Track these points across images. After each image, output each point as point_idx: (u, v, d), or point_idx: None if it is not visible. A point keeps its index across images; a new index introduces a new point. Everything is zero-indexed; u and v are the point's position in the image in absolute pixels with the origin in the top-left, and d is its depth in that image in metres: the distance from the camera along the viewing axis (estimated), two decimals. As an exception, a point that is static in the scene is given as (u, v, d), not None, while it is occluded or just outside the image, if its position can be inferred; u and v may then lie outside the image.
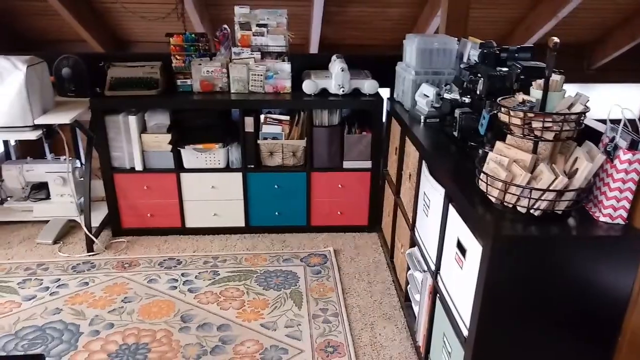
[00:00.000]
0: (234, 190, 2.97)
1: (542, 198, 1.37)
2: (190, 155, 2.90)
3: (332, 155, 2.93)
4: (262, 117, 2.84)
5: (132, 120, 2.80)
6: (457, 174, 1.73)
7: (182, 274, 2.67)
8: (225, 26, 2.99)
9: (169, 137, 2.85)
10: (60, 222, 3.08)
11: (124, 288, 2.56)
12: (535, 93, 1.45)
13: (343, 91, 2.82)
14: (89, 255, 2.84)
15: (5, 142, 3.53)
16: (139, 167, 2.90)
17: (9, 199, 3.18)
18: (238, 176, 2.94)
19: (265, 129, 2.86)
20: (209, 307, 2.42)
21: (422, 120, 2.34)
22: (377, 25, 5.89)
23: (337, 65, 2.82)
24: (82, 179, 3.01)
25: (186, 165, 2.92)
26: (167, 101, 2.83)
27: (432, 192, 1.91)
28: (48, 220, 3.10)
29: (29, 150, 3.57)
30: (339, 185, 2.99)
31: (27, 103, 2.54)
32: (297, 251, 2.91)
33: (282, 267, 2.75)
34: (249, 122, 2.83)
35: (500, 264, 1.36)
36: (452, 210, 1.69)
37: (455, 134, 2.01)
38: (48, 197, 3.12)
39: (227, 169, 2.94)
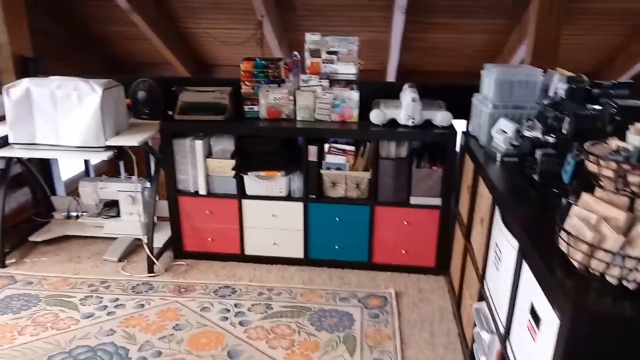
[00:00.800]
0: (294, 220, 2.88)
1: (640, 269, 1.12)
2: (253, 182, 2.85)
3: (398, 190, 2.75)
4: (326, 146, 2.74)
5: (199, 144, 2.81)
6: (534, 225, 1.50)
7: (235, 305, 2.60)
8: (296, 53, 2.95)
9: (233, 162, 2.83)
10: (127, 240, 3.16)
11: (176, 314, 2.53)
12: (633, 139, 1.21)
13: (413, 122, 2.65)
14: (149, 276, 2.86)
15: (86, 161, 3.71)
16: (202, 191, 2.90)
17: (83, 214, 3.32)
18: (299, 206, 2.85)
19: (329, 158, 2.75)
20: (258, 343, 2.32)
21: (498, 159, 2.12)
22: (459, 52, 5.65)
23: (408, 94, 2.66)
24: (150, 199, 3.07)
25: (248, 191, 2.88)
26: (233, 127, 2.82)
27: (504, 243, 1.68)
28: (116, 238, 3.19)
29: (107, 169, 3.74)
30: (405, 222, 2.80)
31: (100, 125, 2.63)
32: (355, 290, 2.74)
33: (338, 306, 2.59)
34: (312, 151, 2.74)
35: (581, 344, 1.12)
36: (526, 268, 1.46)
37: (535, 177, 1.78)
38: (118, 214, 3.22)
39: (289, 197, 2.86)
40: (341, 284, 2.80)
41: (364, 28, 5.43)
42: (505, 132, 2.10)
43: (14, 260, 3.01)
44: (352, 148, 2.74)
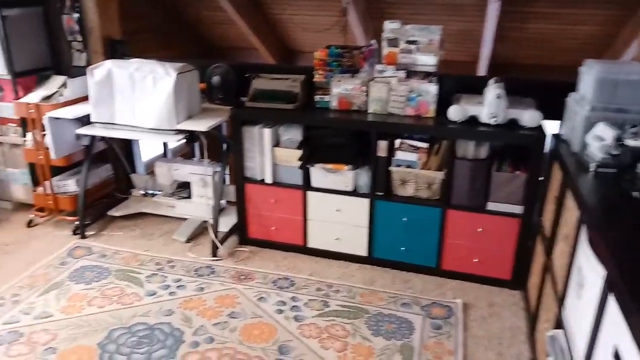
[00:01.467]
0: (359, 217, 2.75)
1: None
2: (319, 174, 2.76)
3: (474, 193, 2.53)
4: (397, 141, 2.58)
5: (267, 132, 2.77)
6: (626, 253, 1.26)
7: (292, 298, 2.54)
8: (374, 41, 2.79)
9: (299, 153, 2.75)
10: (196, 222, 3.22)
11: (233, 301, 2.52)
12: None
13: (496, 121, 2.40)
14: (212, 260, 2.89)
15: (165, 142, 3.83)
16: (268, 179, 2.86)
17: (159, 193, 3.44)
18: (365, 202, 2.72)
19: (400, 155, 2.59)
20: (310, 342, 2.24)
21: (591, 169, 1.84)
22: (560, 45, 5.15)
23: (492, 90, 2.41)
24: (219, 183, 3.09)
25: (314, 183, 2.80)
26: (302, 116, 2.74)
27: (589, 269, 1.45)
28: (186, 219, 3.26)
29: (185, 152, 3.83)
30: (479, 229, 2.57)
31: (173, 108, 2.67)
32: (419, 296, 2.57)
33: (399, 312, 2.44)
34: (382, 146, 2.58)
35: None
36: (612, 303, 1.23)
37: (636, 194, 1.51)
38: (189, 196, 3.28)
39: (355, 193, 2.74)
40: (404, 288, 2.64)
41: (454, 17, 5.11)
42: (603, 139, 1.82)
43: (93, 232, 3.18)
44: (425, 145, 2.55)
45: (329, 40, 5.43)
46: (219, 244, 2.92)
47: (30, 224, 3.25)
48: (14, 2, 3.04)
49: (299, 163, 2.76)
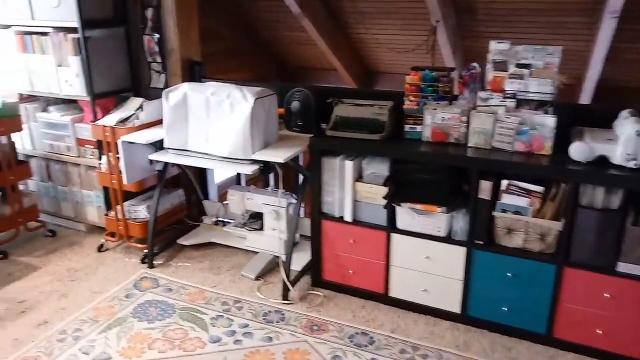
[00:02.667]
0: (453, 267, 2.36)
1: None
2: (406, 215, 2.41)
3: (601, 250, 2.06)
4: (503, 182, 2.17)
5: (349, 165, 2.47)
6: None
7: None
8: (475, 64, 2.42)
9: (385, 190, 2.42)
10: (267, 257, 2.97)
11: (304, 358, 2.22)
12: None
13: (636, 164, 1.94)
14: (283, 303, 2.61)
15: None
16: (348, 217, 2.56)
17: (230, 222, 3.24)
18: (461, 251, 2.33)
19: (507, 199, 2.18)
20: (392, 421, 1.88)
21: None
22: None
23: (629, 125, 1.96)
24: (293, 216, 2.83)
25: (400, 225, 2.45)
26: (389, 148, 2.41)
27: None
28: (257, 252, 3.03)
29: (258, 178, 3.63)
30: (606, 294, 2.09)
31: (249, 136, 2.45)
32: (525, 370, 2.13)
33: (500, 389, 2.02)
34: (485, 186, 2.19)
35: None
36: None
37: None
38: (262, 228, 3.05)
39: (449, 239, 2.36)
40: (506, 357, 2.21)
41: (558, 36, 4.59)
42: None
43: (161, 262, 3.02)
44: (539, 189, 2.13)
45: (414, 61, 5.06)
46: (290, 286, 2.64)
47: (101, 249, 3.16)
48: (97, 23, 3.00)
49: (384, 201, 2.43)
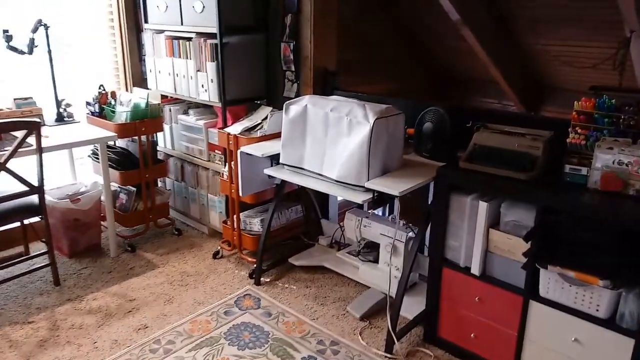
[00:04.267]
0: (613, 363, 1.75)
1: None
2: (553, 281, 1.86)
3: None
4: None
5: (483, 207, 2.00)
6: None
7: None
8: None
9: (527, 245, 1.90)
10: (378, 296, 2.62)
11: None
12: None
13: None
14: (385, 357, 2.24)
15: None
16: (475, 269, 2.08)
17: (345, 247, 2.96)
18: (628, 344, 1.70)
19: None
20: None
21: None
22: None
23: None
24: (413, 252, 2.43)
25: (542, 291, 1.90)
26: (539, 193, 1.88)
27: None
28: (368, 287, 2.70)
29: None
30: None
31: (365, 161, 2.13)
32: None
33: None
34: (676, 265, 1.55)
35: None
36: None
37: None
38: (376, 261, 2.71)
39: (611, 324, 1.75)
40: None
41: None
42: None
43: (268, 280, 2.87)
44: None
45: (595, 79, 4.20)
46: (395, 339, 2.25)
47: (216, 256, 3.13)
48: (238, 29, 2.96)
49: (525, 259, 1.91)
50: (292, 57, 3.03)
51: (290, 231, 3.10)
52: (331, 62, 3.06)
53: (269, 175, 2.64)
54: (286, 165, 2.49)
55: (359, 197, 2.15)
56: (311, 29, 2.90)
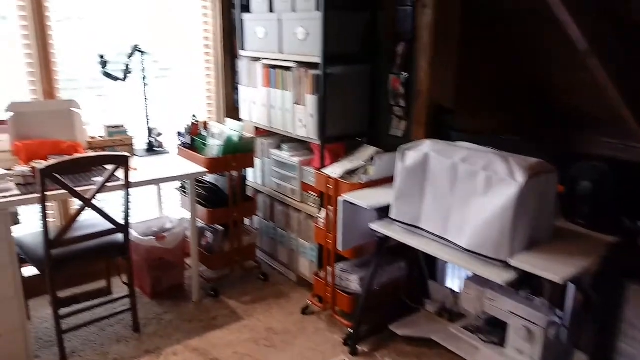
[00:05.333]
0: None
1: None
2: None
3: None
4: None
5: (679, 307, 1.47)
6: None
7: None
8: None
9: None
10: (503, 388, 2.12)
11: None
12: None
13: None
14: None
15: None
16: (660, 387, 1.54)
17: (459, 320, 2.48)
18: None
19: None
20: None
21: None
22: None
23: None
24: (558, 343, 1.92)
25: None
26: None
27: None
28: (489, 374, 2.20)
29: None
30: None
31: (508, 230, 1.67)
32: None
33: None
34: None
35: None
36: None
37: None
38: (502, 344, 2.21)
39: None
40: None
41: None
42: None
43: (366, 350, 2.46)
44: None
45: None
46: None
47: (305, 311, 2.78)
48: (342, 59, 2.63)
49: None
50: (402, 90, 2.65)
51: (391, 291, 2.67)
52: (447, 98, 2.64)
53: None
54: (398, 221, 2.09)
55: (499, 275, 1.69)
56: (428, 59, 2.50)
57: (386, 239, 2.37)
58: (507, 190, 1.67)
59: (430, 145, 1.96)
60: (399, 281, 2.69)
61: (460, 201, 1.84)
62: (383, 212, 2.21)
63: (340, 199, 2.30)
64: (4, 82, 2.69)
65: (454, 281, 2.74)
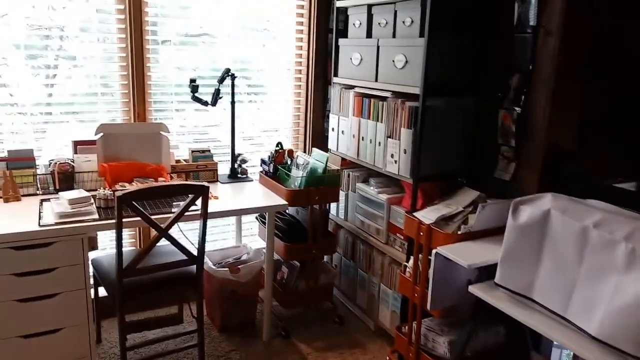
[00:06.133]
0: None
1: None
2: None
3: None
4: None
5: None
6: None
7: None
8: None
9: None
10: None
11: None
12: None
13: None
14: None
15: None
16: None
17: (568, 405, 2.06)
18: None
19: None
20: None
21: None
22: None
23: None
24: None
25: None
26: None
27: None
28: None
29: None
30: None
31: (660, 325, 1.28)
32: None
33: None
34: None
35: None
36: None
37: None
38: None
39: None
40: None
41: None
42: None
43: None
44: None
45: None
46: None
47: (383, 368, 2.49)
48: (443, 90, 2.35)
49: None
50: (513, 128, 2.31)
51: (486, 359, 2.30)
52: (569, 140, 2.25)
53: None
54: (504, 287, 1.75)
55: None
56: (549, 93, 2.15)
57: (483, 303, 2.03)
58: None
59: (552, 201, 1.62)
60: (496, 350, 2.31)
61: (589, 275, 1.47)
62: (485, 272, 1.88)
63: (434, 251, 2.00)
64: (101, 101, 2.72)
65: (562, 356, 2.31)
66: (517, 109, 2.28)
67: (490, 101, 2.39)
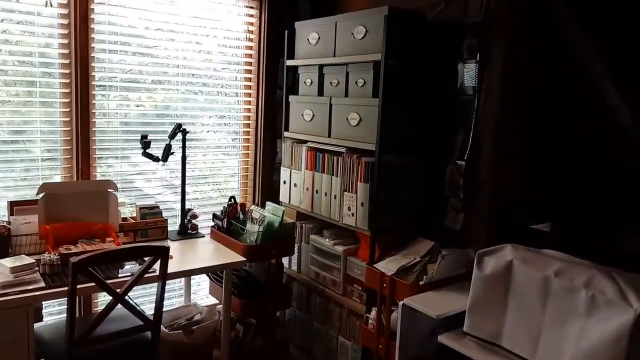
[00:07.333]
0: None
1: None
2: None
3: None
4: None
5: None
6: None
7: None
8: None
9: None
10: None
11: None
12: None
13: None
14: None
15: None
16: None
17: None
18: None
19: None
20: None
21: None
22: None
23: None
24: None
25: None
26: None
27: None
28: None
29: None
30: None
31: (623, 366, 1.42)
32: None
33: None
34: None
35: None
36: None
37: None
38: None
39: None
40: None
41: None
42: None
43: None
44: None
45: None
46: None
47: None
48: (397, 146, 2.48)
49: None
50: (461, 181, 2.48)
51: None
52: (514, 190, 2.45)
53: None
54: (473, 336, 1.83)
55: (612, 421, 1.42)
56: (492, 148, 2.35)
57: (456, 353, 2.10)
58: (619, 316, 1.44)
59: (513, 252, 1.75)
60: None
61: (554, 321, 1.60)
62: (446, 321, 1.96)
63: (400, 303, 2.06)
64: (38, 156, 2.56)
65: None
66: (462, 163, 2.46)
67: (439, 156, 2.56)
